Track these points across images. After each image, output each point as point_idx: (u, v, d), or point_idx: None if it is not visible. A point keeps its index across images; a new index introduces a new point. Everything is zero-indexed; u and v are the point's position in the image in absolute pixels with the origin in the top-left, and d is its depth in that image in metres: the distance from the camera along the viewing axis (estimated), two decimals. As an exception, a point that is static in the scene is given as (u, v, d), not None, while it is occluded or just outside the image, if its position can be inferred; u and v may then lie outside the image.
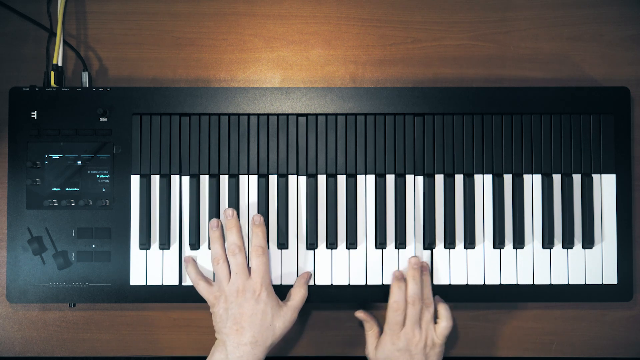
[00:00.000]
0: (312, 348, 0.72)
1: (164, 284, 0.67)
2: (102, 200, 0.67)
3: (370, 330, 0.67)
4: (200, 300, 0.66)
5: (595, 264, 0.68)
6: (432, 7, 0.74)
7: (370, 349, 0.67)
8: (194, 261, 0.67)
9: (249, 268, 0.65)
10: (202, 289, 0.65)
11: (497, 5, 0.74)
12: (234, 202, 0.67)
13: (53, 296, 0.67)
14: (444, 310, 0.65)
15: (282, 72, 0.73)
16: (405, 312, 0.64)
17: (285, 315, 0.64)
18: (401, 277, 0.66)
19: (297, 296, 0.65)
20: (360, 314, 0.68)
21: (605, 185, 0.68)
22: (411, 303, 0.64)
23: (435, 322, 0.65)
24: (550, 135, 0.68)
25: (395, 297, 0.65)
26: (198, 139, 0.68)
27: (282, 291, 0.67)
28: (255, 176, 0.68)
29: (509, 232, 0.68)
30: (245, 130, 0.68)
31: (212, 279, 0.67)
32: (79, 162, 0.67)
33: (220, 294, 0.64)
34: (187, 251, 0.68)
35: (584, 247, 0.68)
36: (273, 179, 0.68)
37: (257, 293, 0.63)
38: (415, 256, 0.67)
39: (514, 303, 0.72)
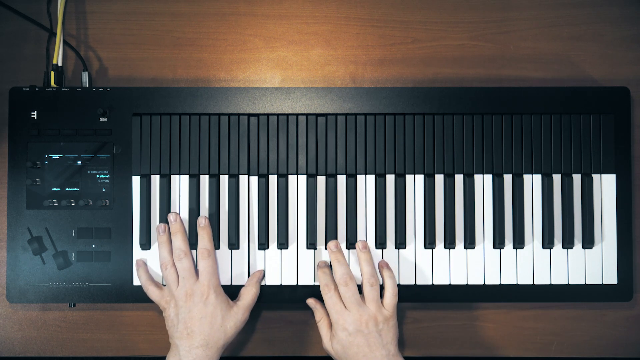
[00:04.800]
0: (312, 348, 0.72)
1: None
2: (102, 200, 0.67)
3: (320, 320, 0.66)
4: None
5: (595, 264, 0.68)
6: (432, 7, 0.74)
7: (325, 341, 0.66)
8: (145, 265, 0.67)
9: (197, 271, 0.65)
10: (153, 294, 0.65)
11: (497, 5, 0.74)
12: (234, 202, 0.67)
13: (53, 296, 0.67)
14: (387, 278, 0.65)
15: (282, 72, 0.73)
16: (337, 293, 0.63)
17: (236, 315, 0.64)
18: (324, 265, 0.66)
19: (248, 295, 0.65)
20: (310, 301, 0.67)
21: (605, 185, 0.68)
22: (343, 284, 0.64)
23: (382, 297, 0.64)
24: (550, 135, 0.68)
25: (322, 281, 0.64)
26: (198, 139, 0.68)
27: (283, 291, 0.67)
28: (256, 176, 0.68)
29: (509, 232, 0.68)
30: (245, 130, 0.68)
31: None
32: (79, 162, 0.67)
33: (171, 299, 0.64)
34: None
35: (584, 247, 0.68)
36: (273, 179, 0.68)
37: (205, 296, 0.63)
38: (333, 240, 0.66)
39: (514, 303, 0.72)
